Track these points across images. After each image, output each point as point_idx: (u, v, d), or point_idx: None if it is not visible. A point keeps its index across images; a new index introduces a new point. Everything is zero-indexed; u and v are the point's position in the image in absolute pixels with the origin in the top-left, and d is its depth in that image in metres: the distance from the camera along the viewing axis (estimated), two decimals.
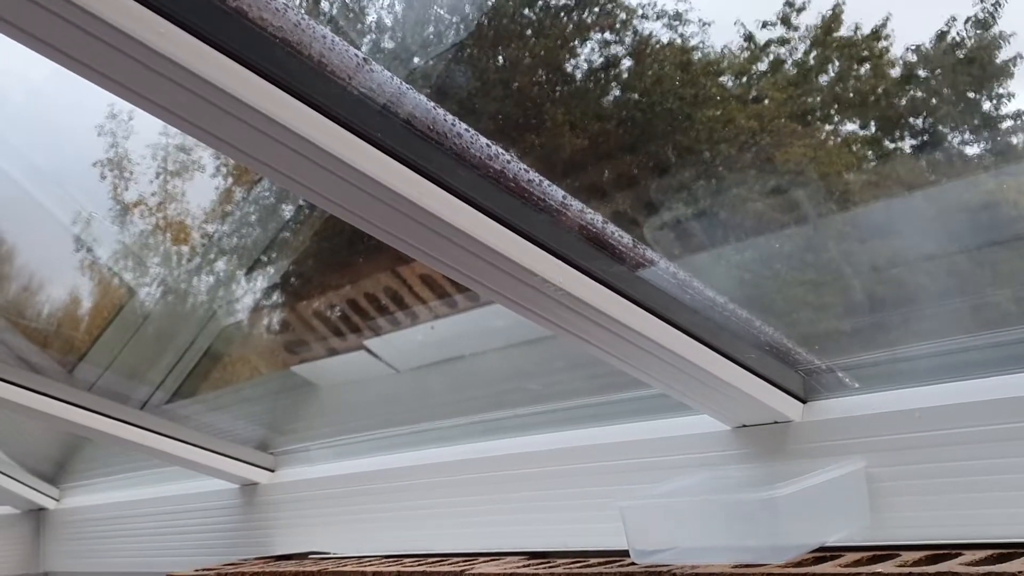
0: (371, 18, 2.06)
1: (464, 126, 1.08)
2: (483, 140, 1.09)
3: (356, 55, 1.00)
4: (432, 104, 1.07)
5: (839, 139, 1.59)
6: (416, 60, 1.99)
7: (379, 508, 1.88)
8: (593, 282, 1.16)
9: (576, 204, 1.17)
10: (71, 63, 0.87)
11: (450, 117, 1.07)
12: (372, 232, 1.08)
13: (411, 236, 1.07)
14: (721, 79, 1.71)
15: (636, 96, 1.82)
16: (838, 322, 1.50)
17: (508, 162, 1.10)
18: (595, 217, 1.18)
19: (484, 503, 1.68)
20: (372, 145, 0.98)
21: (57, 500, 3.09)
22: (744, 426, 1.36)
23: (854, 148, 1.57)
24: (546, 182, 1.14)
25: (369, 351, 2.12)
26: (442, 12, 2.00)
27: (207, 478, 2.29)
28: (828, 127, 1.62)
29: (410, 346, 2.06)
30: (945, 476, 1.15)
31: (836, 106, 1.61)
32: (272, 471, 2.22)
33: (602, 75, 1.82)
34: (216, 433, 2.26)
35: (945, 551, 1.06)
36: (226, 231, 2.47)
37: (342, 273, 2.21)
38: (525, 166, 1.13)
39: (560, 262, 1.13)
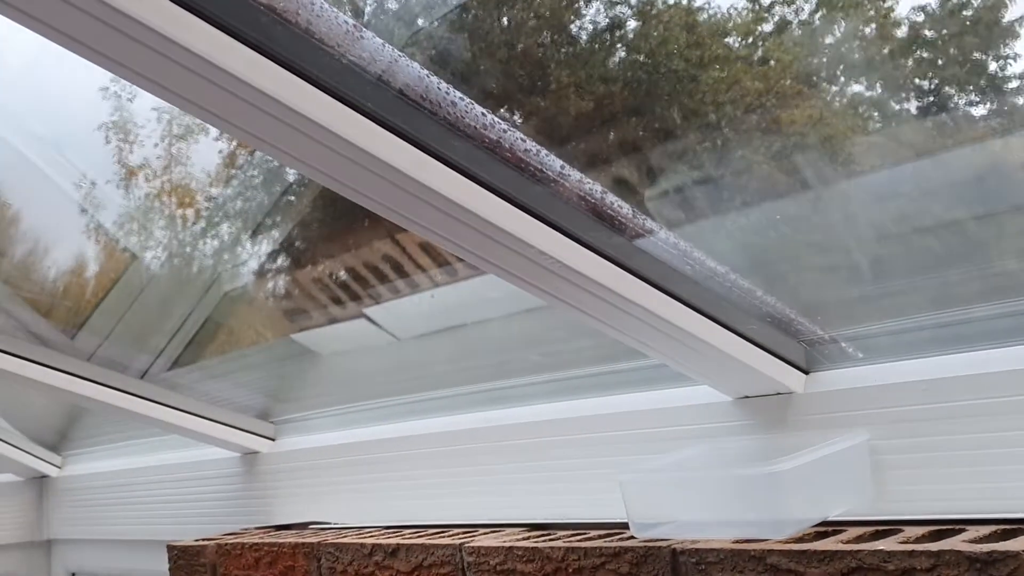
0: None
1: (459, 94, 1.05)
2: (478, 109, 1.06)
3: (346, 22, 0.97)
4: (426, 72, 1.04)
5: (844, 100, 1.56)
6: (420, 22, 1.96)
7: (379, 478, 1.87)
8: (592, 254, 1.13)
9: (575, 174, 1.14)
10: (43, 28, 0.84)
11: (444, 85, 1.04)
12: (364, 203, 1.06)
13: (403, 208, 1.05)
14: (727, 40, 1.68)
15: (642, 58, 1.79)
16: (842, 291, 1.48)
17: (504, 131, 1.08)
18: (594, 187, 1.16)
19: (484, 473, 1.67)
20: (362, 115, 0.96)
21: (59, 467, 3.09)
22: (746, 397, 1.34)
23: (860, 110, 1.54)
24: (543, 151, 1.12)
25: (369, 319, 2.10)
26: None
27: (209, 446, 2.28)
28: (834, 88, 1.60)
29: (410, 314, 2.04)
30: (950, 449, 1.13)
31: (842, 67, 1.58)
32: (273, 440, 2.21)
33: (607, 36, 1.79)
34: (217, 401, 2.25)
35: (948, 526, 1.05)
36: (229, 195, 2.44)
37: (342, 240, 2.19)
38: (522, 135, 1.11)
39: (558, 234, 1.11)
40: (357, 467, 1.93)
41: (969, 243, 1.35)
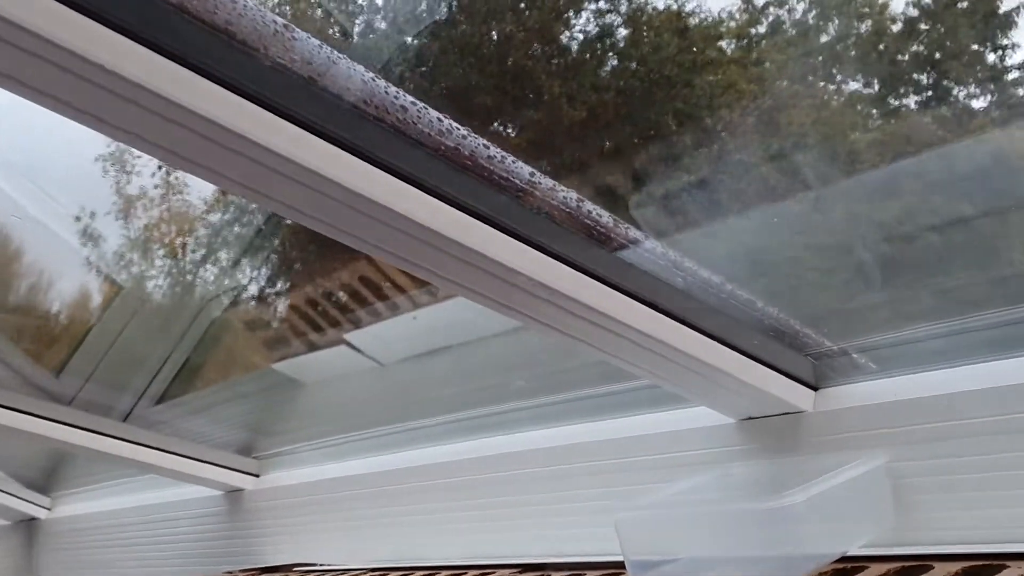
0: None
1: (409, 98, 0.94)
2: (433, 114, 0.95)
3: (274, 21, 0.86)
4: (371, 75, 0.93)
5: (842, 99, 1.50)
6: (408, 39, 1.89)
7: (365, 515, 1.76)
8: (569, 268, 1.02)
9: (547, 182, 1.03)
10: None
11: (392, 89, 0.93)
12: (306, 223, 0.95)
13: (351, 226, 0.94)
14: (720, 43, 1.61)
15: (634, 65, 1.73)
16: (851, 297, 1.37)
17: (463, 137, 0.96)
18: (568, 195, 1.04)
19: (475, 508, 1.55)
20: (294, 124, 0.84)
21: (48, 509, 2.99)
22: (750, 418, 1.22)
23: (859, 107, 1.47)
24: (510, 158, 1.00)
25: (350, 345, 1.99)
26: None
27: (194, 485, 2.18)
28: (831, 87, 1.53)
29: (393, 338, 1.93)
30: (979, 471, 1.01)
31: (838, 65, 1.52)
32: (257, 476, 2.10)
33: (598, 45, 1.73)
34: (201, 437, 2.15)
35: (985, 562, 0.92)
36: (225, 219, 2.36)
37: (320, 264, 2.09)
38: (485, 141, 0.99)
39: (529, 248, 0.99)
40: (342, 504, 1.81)
41: (993, 241, 1.23)
